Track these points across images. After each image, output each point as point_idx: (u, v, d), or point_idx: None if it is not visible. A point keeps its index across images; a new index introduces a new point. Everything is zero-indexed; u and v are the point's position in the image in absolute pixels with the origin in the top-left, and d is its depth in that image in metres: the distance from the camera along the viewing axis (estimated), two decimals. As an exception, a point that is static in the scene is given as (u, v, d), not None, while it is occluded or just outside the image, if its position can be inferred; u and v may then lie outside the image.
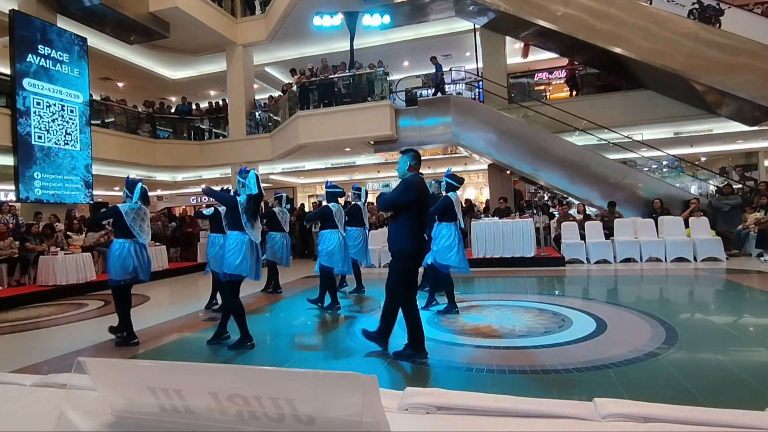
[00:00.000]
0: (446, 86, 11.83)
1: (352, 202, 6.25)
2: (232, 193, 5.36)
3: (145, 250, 4.29)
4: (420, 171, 3.48)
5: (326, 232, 5.30)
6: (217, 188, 4.96)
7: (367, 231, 6.20)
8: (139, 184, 4.27)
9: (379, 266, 9.09)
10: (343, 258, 5.28)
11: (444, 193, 4.93)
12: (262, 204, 4.10)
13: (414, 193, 3.31)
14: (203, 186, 4.72)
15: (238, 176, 3.94)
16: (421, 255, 3.47)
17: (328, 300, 5.37)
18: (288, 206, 6.50)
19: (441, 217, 4.79)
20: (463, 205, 11.58)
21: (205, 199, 18.50)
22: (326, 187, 5.57)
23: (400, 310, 3.43)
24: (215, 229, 5.44)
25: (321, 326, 4.74)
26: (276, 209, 6.31)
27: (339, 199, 5.60)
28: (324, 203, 5.52)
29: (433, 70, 11.67)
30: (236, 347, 3.86)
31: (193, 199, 19.13)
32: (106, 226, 9.55)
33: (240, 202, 3.78)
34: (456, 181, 4.93)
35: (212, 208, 5.49)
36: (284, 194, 6.63)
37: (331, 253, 5.18)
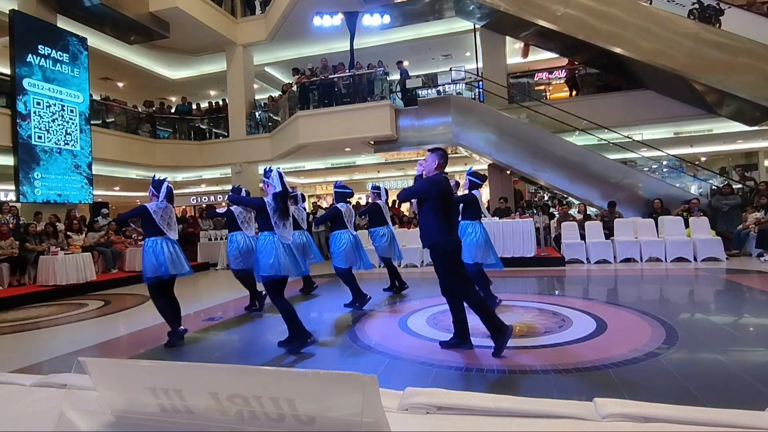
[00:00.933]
0: (410, 90, 11.51)
1: (372, 201, 6.17)
2: (243, 192, 5.40)
3: (177, 246, 4.30)
4: (445, 171, 3.54)
5: (337, 233, 5.28)
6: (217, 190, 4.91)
7: (391, 228, 6.13)
8: (165, 183, 4.31)
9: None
10: (359, 256, 5.27)
11: (467, 191, 4.93)
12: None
13: (438, 190, 3.39)
14: (229, 194, 4.71)
15: (263, 177, 3.94)
16: (457, 245, 3.48)
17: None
18: (303, 205, 6.47)
19: (464, 214, 4.79)
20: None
21: (205, 198, 18.53)
22: (335, 188, 5.53)
23: (466, 303, 3.45)
24: (233, 228, 5.44)
25: (322, 326, 4.74)
26: (292, 208, 6.28)
27: (349, 199, 5.56)
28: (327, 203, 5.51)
29: (435, 71, 11.66)
30: (296, 348, 3.73)
31: (193, 199, 19.15)
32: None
33: (268, 203, 3.75)
34: (479, 179, 4.94)
35: (225, 207, 5.48)
36: (299, 193, 6.60)
37: (344, 253, 5.17)
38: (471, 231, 4.70)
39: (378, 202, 6.04)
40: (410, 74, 12.13)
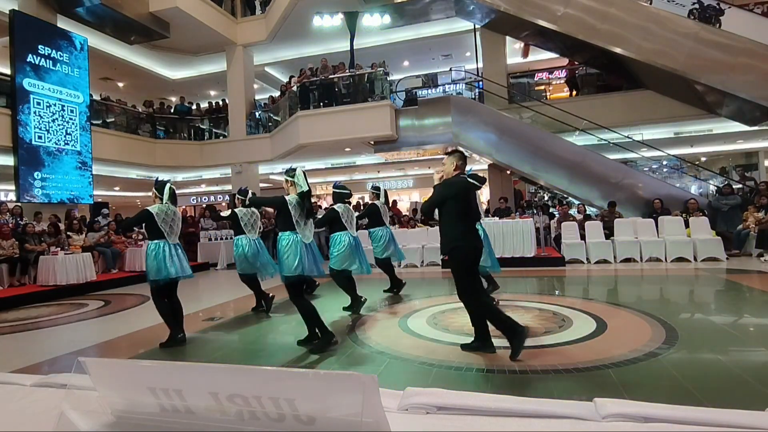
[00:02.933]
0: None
1: (371, 202, 6.10)
2: (250, 193, 5.38)
3: (180, 249, 4.28)
4: (464, 171, 3.52)
5: (336, 235, 5.16)
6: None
7: (389, 229, 6.05)
8: (168, 185, 4.27)
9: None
10: (358, 259, 5.14)
11: None
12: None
13: (452, 192, 3.35)
14: (249, 196, 4.62)
15: (286, 176, 3.90)
16: (478, 251, 3.42)
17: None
18: None
19: None
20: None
21: (205, 198, 18.53)
22: (334, 188, 5.41)
23: (471, 310, 3.40)
24: (237, 231, 5.38)
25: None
26: None
27: (347, 200, 5.45)
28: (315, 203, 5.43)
29: (435, 71, 11.66)
30: (320, 348, 3.72)
31: (193, 199, 19.16)
32: (104, 225, 9.61)
33: (290, 202, 3.70)
34: (478, 181, 4.87)
35: (230, 210, 5.46)
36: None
37: (341, 256, 5.04)
38: None
39: (376, 203, 5.99)
40: (410, 74, 12.11)
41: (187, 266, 4.25)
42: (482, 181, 4.93)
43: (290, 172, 3.85)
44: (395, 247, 6.03)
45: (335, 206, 5.24)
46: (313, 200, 5.93)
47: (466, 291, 3.34)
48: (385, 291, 6.20)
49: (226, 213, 5.47)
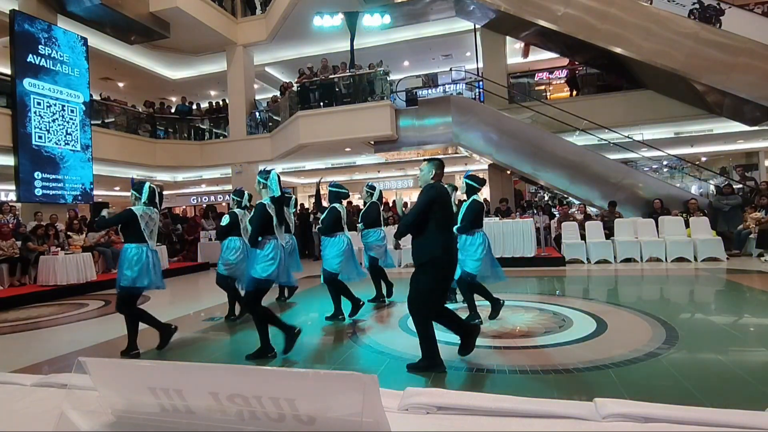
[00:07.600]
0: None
1: (368, 201, 5.74)
2: (246, 195, 5.29)
3: (157, 256, 4.05)
4: (442, 181, 3.29)
5: (333, 237, 4.90)
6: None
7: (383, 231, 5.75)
8: (147, 184, 4.00)
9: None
10: (354, 263, 4.93)
11: (465, 197, 4.57)
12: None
13: (434, 195, 3.06)
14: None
15: (258, 177, 3.79)
16: (452, 266, 3.14)
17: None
18: (293, 209, 6.30)
19: (473, 225, 4.42)
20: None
21: (205, 198, 18.54)
22: (330, 187, 5.10)
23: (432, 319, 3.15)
24: (233, 233, 5.14)
25: (321, 327, 4.74)
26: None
27: (344, 200, 5.22)
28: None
29: (435, 71, 11.65)
30: (255, 357, 3.60)
31: (193, 199, 19.15)
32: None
33: (266, 205, 3.60)
34: (477, 183, 4.57)
35: (227, 216, 5.21)
36: (291, 196, 6.34)
37: (340, 258, 4.80)
38: (475, 242, 4.39)
39: (375, 202, 5.71)
40: (410, 74, 12.09)
41: (160, 277, 4.01)
42: (482, 182, 4.61)
43: (263, 174, 3.74)
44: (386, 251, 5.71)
45: (335, 205, 4.97)
46: (313, 202, 5.89)
47: (420, 304, 3.06)
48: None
49: (224, 221, 5.18)
